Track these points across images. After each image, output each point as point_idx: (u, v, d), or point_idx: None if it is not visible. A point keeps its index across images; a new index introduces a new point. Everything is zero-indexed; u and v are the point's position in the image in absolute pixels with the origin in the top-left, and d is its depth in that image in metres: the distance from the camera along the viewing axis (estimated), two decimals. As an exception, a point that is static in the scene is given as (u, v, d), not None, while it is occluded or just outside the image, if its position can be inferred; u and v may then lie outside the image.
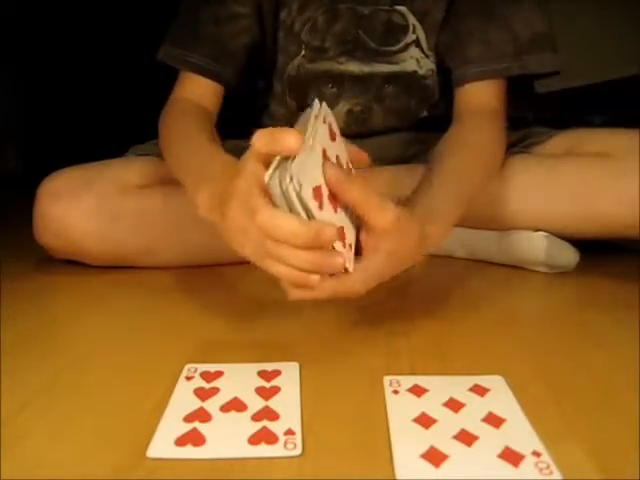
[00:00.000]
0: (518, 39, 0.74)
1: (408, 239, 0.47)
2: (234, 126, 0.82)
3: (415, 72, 0.80)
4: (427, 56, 0.80)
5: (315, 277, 0.42)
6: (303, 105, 0.81)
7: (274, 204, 0.39)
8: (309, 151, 0.39)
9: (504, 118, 0.76)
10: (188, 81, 0.77)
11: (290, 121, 0.81)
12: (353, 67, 0.79)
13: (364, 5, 0.76)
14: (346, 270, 0.44)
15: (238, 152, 0.84)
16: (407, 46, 0.79)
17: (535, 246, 0.72)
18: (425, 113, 0.84)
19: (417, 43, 0.79)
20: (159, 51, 0.79)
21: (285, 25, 0.79)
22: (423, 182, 0.59)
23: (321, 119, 0.41)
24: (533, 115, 0.95)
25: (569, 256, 0.72)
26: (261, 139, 0.40)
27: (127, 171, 0.77)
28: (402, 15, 0.77)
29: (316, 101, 0.42)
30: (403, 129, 0.86)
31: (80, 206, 0.71)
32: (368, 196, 0.43)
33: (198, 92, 0.77)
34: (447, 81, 0.79)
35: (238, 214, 0.44)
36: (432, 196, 0.56)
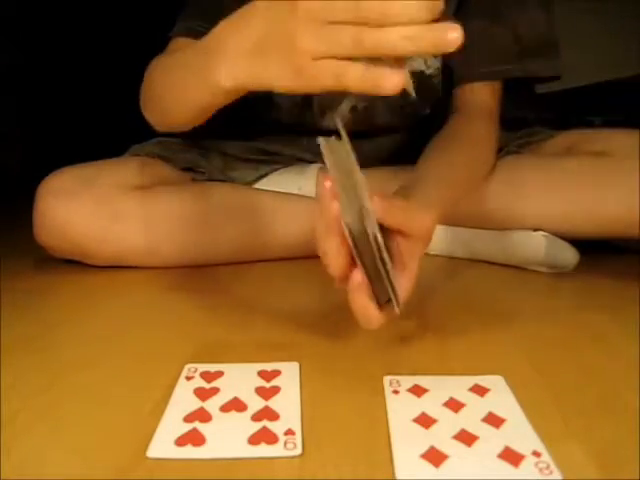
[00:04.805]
0: (521, 42, 0.74)
1: (430, 233, 0.48)
2: (234, 121, 0.82)
3: (422, 72, 0.80)
4: (435, 55, 0.80)
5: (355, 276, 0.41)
6: (308, 98, 0.80)
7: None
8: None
9: (498, 117, 0.76)
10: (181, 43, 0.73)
11: (296, 113, 0.80)
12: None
13: None
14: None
15: (247, 151, 0.85)
16: None
17: (535, 246, 0.72)
18: (428, 111, 0.84)
19: None
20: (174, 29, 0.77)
21: None
22: (419, 170, 0.60)
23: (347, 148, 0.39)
24: (533, 115, 0.95)
25: (569, 256, 0.72)
26: None
27: (127, 171, 0.77)
28: None
29: (328, 140, 0.40)
30: (406, 127, 0.85)
31: (80, 206, 0.71)
32: (400, 205, 0.43)
33: None
34: (450, 79, 0.79)
35: None
36: (428, 183, 0.55)
